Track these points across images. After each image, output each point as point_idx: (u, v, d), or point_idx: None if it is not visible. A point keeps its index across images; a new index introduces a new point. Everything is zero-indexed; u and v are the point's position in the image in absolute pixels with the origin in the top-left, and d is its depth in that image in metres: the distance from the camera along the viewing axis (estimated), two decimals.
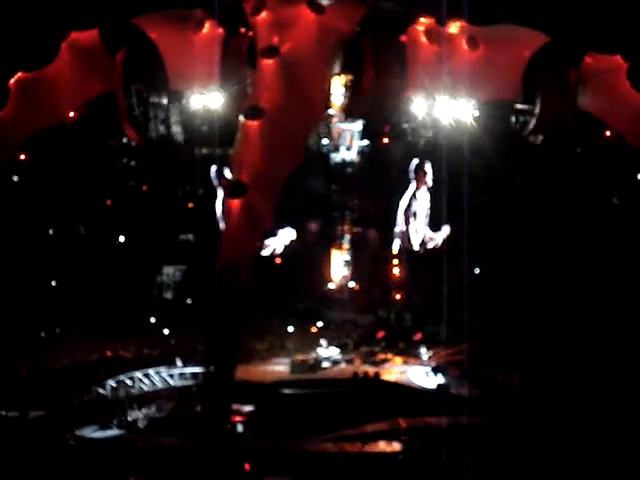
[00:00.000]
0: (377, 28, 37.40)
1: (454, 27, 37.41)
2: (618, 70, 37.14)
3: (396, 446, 35.21)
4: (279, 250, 38.42)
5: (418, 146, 40.28)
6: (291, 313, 52.21)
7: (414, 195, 41.59)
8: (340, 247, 49.02)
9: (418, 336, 48.57)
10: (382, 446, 35.28)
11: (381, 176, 47.44)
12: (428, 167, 40.52)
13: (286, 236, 39.81)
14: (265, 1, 36.33)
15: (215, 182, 34.68)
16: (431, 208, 42.33)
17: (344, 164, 45.22)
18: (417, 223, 41.95)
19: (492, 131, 38.20)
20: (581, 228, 49.31)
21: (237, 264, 32.19)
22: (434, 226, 42.06)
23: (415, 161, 40.65)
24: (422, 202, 41.76)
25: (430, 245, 42.19)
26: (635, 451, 31.87)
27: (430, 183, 41.44)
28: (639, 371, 38.18)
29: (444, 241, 42.00)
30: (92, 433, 35.74)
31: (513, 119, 38.77)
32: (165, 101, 38.24)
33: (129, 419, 37.94)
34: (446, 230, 43.25)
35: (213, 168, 39.40)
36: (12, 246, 46.91)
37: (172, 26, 37.51)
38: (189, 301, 53.19)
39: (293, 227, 37.57)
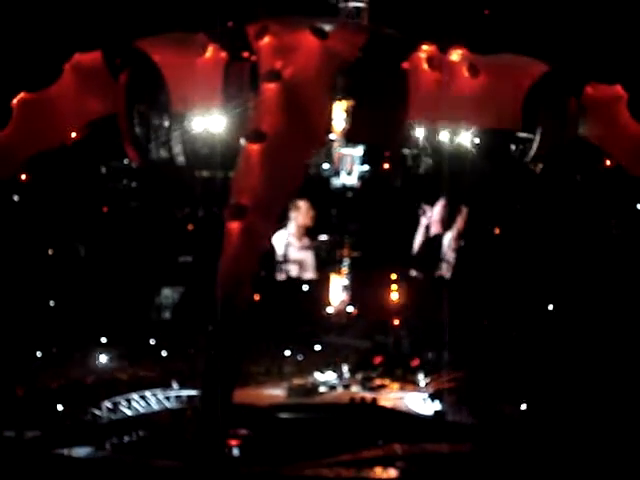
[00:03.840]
0: (379, 54, 37.62)
1: (455, 54, 37.63)
2: (618, 100, 37.35)
3: (392, 472, 35.07)
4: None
5: (419, 172, 40.46)
6: (288, 337, 52.12)
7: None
8: (339, 271, 48.92)
9: (416, 362, 48.47)
10: (378, 472, 35.15)
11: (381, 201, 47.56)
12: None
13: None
14: (268, 26, 36.58)
15: None
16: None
17: (344, 189, 45.29)
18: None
19: (492, 158, 38.37)
20: (580, 256, 49.35)
21: (236, 287, 32.17)
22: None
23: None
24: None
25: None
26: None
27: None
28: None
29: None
30: (87, 454, 35.59)
31: (513, 147, 38.95)
32: (167, 123, 38.38)
33: (124, 441, 37.80)
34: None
35: None
36: (11, 265, 46.89)
37: (175, 49, 37.72)
38: (187, 323, 53.09)
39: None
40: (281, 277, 41.70)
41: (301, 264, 42.23)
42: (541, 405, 40.56)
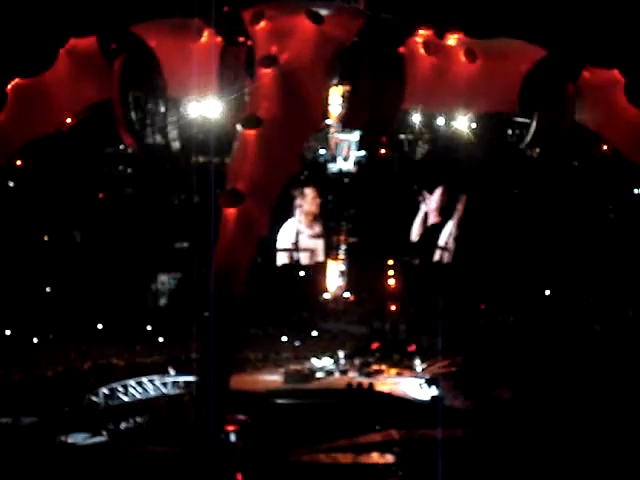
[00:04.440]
0: (375, 39, 37.43)
1: (452, 39, 37.46)
2: (615, 84, 37.25)
3: (389, 458, 35.11)
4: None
5: (415, 157, 40.40)
6: (285, 323, 52.13)
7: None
8: (336, 257, 48.88)
9: (412, 348, 48.52)
10: (375, 457, 35.19)
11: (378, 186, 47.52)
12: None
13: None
14: (264, 11, 36.36)
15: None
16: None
17: (341, 174, 45.19)
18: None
19: (489, 144, 38.29)
20: (577, 241, 49.36)
21: (232, 273, 32.06)
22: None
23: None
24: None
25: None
26: (629, 462, 31.85)
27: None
28: (634, 384, 38.16)
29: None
30: (84, 440, 35.60)
31: (510, 132, 38.88)
32: (162, 109, 38.24)
33: (121, 427, 37.81)
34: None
35: None
36: (7, 252, 46.81)
37: (171, 34, 37.51)
38: (183, 309, 53.08)
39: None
40: (282, 262, 41.94)
41: (312, 251, 42.39)
42: (536, 390, 40.61)
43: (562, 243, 49.39)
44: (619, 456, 32.49)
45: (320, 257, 42.84)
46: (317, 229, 42.34)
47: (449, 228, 41.68)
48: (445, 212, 41.95)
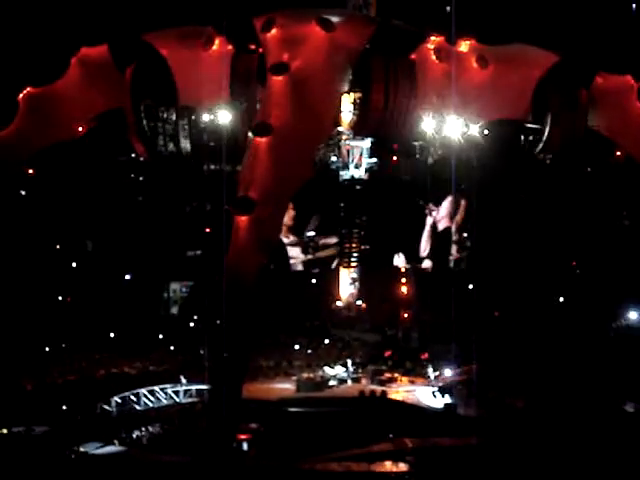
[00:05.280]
0: (387, 46, 37.40)
1: (464, 46, 37.44)
2: (628, 90, 37.13)
3: (402, 466, 34.87)
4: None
5: (427, 163, 40.29)
6: (298, 331, 51.95)
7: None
8: (348, 264, 48.71)
9: (425, 356, 48.25)
10: (388, 466, 34.96)
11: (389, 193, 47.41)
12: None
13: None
14: (275, 18, 36.39)
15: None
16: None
17: (353, 181, 45.10)
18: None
19: (501, 150, 38.14)
20: (591, 247, 49.06)
21: (244, 280, 32.03)
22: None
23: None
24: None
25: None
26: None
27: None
28: None
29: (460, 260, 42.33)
30: (96, 449, 35.50)
31: (522, 138, 38.71)
32: (174, 117, 38.30)
33: (133, 436, 37.70)
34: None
35: None
36: (19, 260, 46.82)
37: (182, 43, 37.64)
38: (195, 317, 53.02)
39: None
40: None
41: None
42: (550, 398, 40.34)
43: (575, 249, 49.09)
44: (633, 464, 32.20)
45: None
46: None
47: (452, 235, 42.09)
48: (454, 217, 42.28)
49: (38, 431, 35.88)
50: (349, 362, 47.21)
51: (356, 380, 45.68)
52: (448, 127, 37.96)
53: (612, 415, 36.93)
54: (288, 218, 42.91)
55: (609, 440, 34.41)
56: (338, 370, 46.27)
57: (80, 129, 38.41)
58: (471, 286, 44.46)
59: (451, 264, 43.81)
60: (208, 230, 48.41)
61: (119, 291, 51.26)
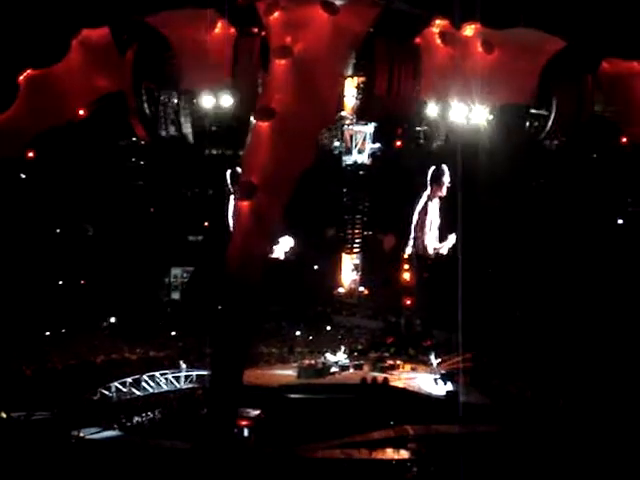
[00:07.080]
0: (391, 29, 37.03)
1: (469, 30, 37.07)
2: (635, 76, 36.82)
3: (404, 453, 34.75)
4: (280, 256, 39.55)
5: (431, 149, 40.02)
6: (300, 317, 51.81)
7: (428, 202, 41.77)
8: (351, 251, 48.53)
9: (428, 342, 48.11)
10: (389, 453, 34.84)
11: (393, 179, 47.18)
12: (446, 177, 40.65)
13: (285, 244, 40.94)
14: (278, 1, 36.02)
15: (230, 186, 34.41)
16: (443, 216, 42.39)
17: (356, 166, 44.86)
18: (429, 230, 42.19)
19: (506, 135, 37.86)
20: (595, 234, 48.83)
21: (246, 266, 31.77)
22: (443, 234, 42.32)
23: (432, 169, 40.66)
24: (434, 212, 41.87)
25: (439, 251, 42.63)
26: None
27: (444, 193, 41.70)
28: None
29: (454, 247, 42.13)
30: (96, 435, 35.39)
31: (527, 124, 38.41)
32: (176, 100, 38.01)
33: (133, 421, 37.58)
34: (452, 239, 43.43)
35: (228, 172, 39.29)
36: (19, 245, 46.64)
37: (184, 25, 37.29)
38: (197, 303, 52.86)
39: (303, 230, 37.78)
40: None
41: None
42: (553, 386, 40.20)
43: (580, 237, 48.84)
44: (637, 454, 32.05)
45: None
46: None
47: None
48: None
49: (38, 416, 35.77)
50: (354, 348, 47.24)
51: (358, 367, 45.57)
52: (452, 112, 37.64)
53: (616, 403, 36.77)
54: None
55: (614, 430, 34.28)
56: (339, 357, 46.16)
57: (81, 112, 38.09)
58: (475, 274, 44.21)
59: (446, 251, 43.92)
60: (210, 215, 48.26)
61: (120, 276, 51.07)
